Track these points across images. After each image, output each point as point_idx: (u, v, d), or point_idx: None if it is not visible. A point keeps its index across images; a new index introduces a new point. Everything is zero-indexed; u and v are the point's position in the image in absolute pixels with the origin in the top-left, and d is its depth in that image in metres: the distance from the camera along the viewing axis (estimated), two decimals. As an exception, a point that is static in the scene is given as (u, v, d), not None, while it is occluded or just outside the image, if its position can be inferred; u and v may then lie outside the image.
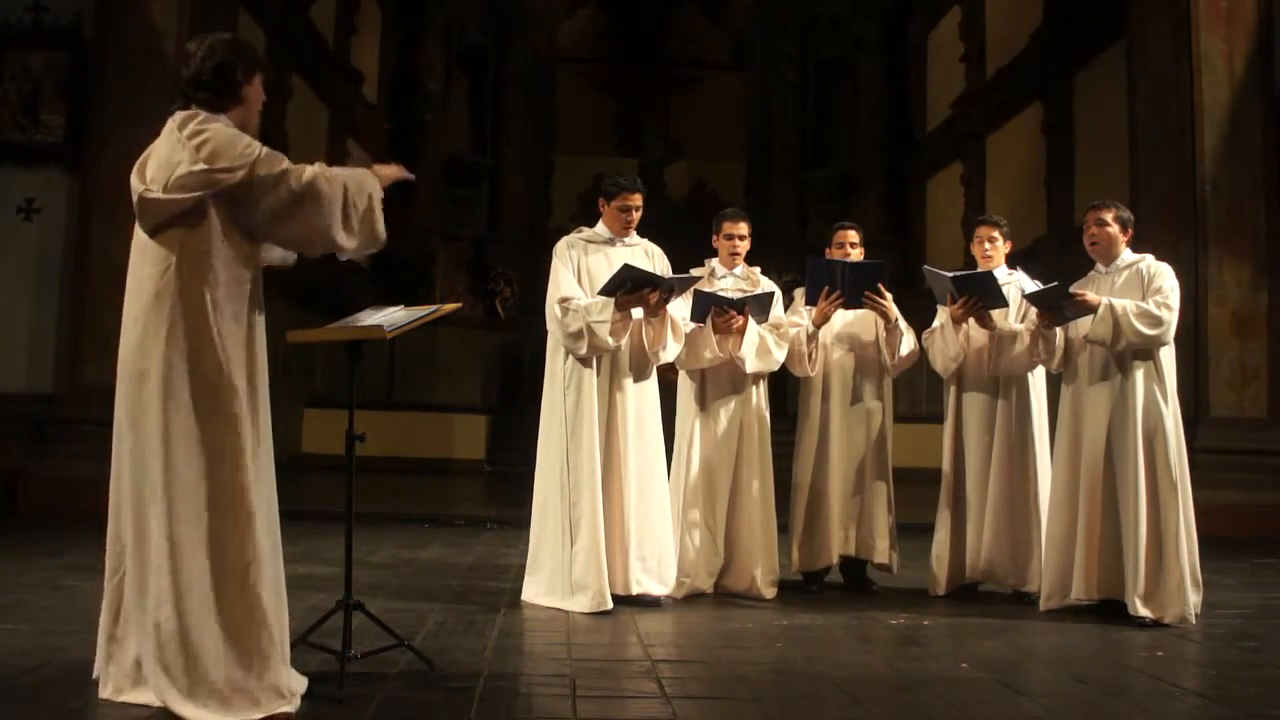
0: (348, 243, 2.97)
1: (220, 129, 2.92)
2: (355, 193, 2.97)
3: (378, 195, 3.03)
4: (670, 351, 4.82)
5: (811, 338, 5.18)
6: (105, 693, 2.92)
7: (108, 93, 8.32)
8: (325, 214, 2.91)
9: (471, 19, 17.92)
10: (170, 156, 2.91)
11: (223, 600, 2.79)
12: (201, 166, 2.84)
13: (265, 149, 2.92)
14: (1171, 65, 8.87)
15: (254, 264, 2.98)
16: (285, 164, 2.93)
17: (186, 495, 2.80)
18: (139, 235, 2.95)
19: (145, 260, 2.92)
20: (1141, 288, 4.68)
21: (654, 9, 19.41)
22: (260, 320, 2.99)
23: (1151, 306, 4.56)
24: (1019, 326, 5.05)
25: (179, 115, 2.97)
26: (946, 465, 5.26)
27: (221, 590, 2.79)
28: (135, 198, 2.92)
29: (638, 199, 4.88)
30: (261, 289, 3.02)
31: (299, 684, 2.91)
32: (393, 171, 3.17)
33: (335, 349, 3.40)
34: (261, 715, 2.76)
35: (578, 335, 4.61)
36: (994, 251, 5.28)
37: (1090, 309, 4.60)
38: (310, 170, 2.94)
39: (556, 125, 18.78)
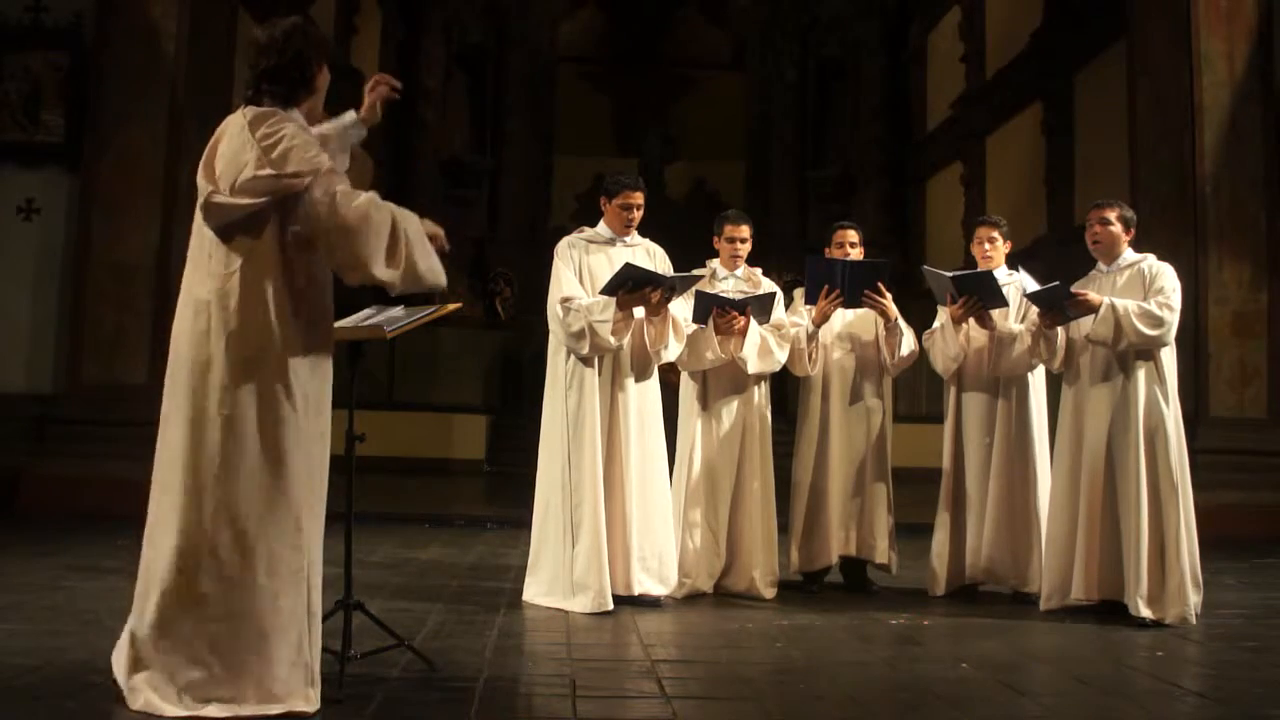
0: (387, 275, 2.88)
1: (293, 131, 2.87)
2: (404, 224, 2.89)
3: (423, 233, 2.95)
4: (672, 351, 4.81)
5: (811, 337, 5.18)
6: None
7: (108, 93, 8.31)
8: (371, 243, 2.84)
9: (471, 19, 17.91)
10: (238, 155, 2.86)
11: (270, 592, 2.79)
12: (269, 171, 2.80)
13: (331, 163, 2.88)
14: (1171, 65, 8.86)
15: (320, 272, 2.94)
16: (345, 184, 2.88)
17: (241, 489, 2.80)
18: (203, 230, 2.91)
19: (211, 256, 2.88)
20: (1143, 287, 4.68)
21: (654, 9, 19.40)
22: (329, 327, 2.97)
23: (1153, 307, 4.56)
24: (1019, 327, 5.05)
25: (251, 111, 2.92)
26: (946, 465, 5.26)
27: (263, 582, 2.79)
28: (201, 198, 2.89)
29: (639, 197, 4.88)
30: (331, 297, 2.99)
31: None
32: (434, 229, 3.06)
33: (336, 349, 3.40)
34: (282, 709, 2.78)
35: (580, 335, 4.61)
36: (994, 252, 5.28)
37: (1092, 309, 4.60)
38: (364, 196, 2.87)
39: (556, 125, 18.77)
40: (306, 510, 2.87)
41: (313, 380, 2.91)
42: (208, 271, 2.88)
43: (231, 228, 2.86)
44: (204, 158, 2.94)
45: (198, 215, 2.93)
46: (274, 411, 2.82)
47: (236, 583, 2.78)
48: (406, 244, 2.89)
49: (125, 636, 2.88)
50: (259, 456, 2.80)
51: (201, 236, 2.93)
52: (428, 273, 2.95)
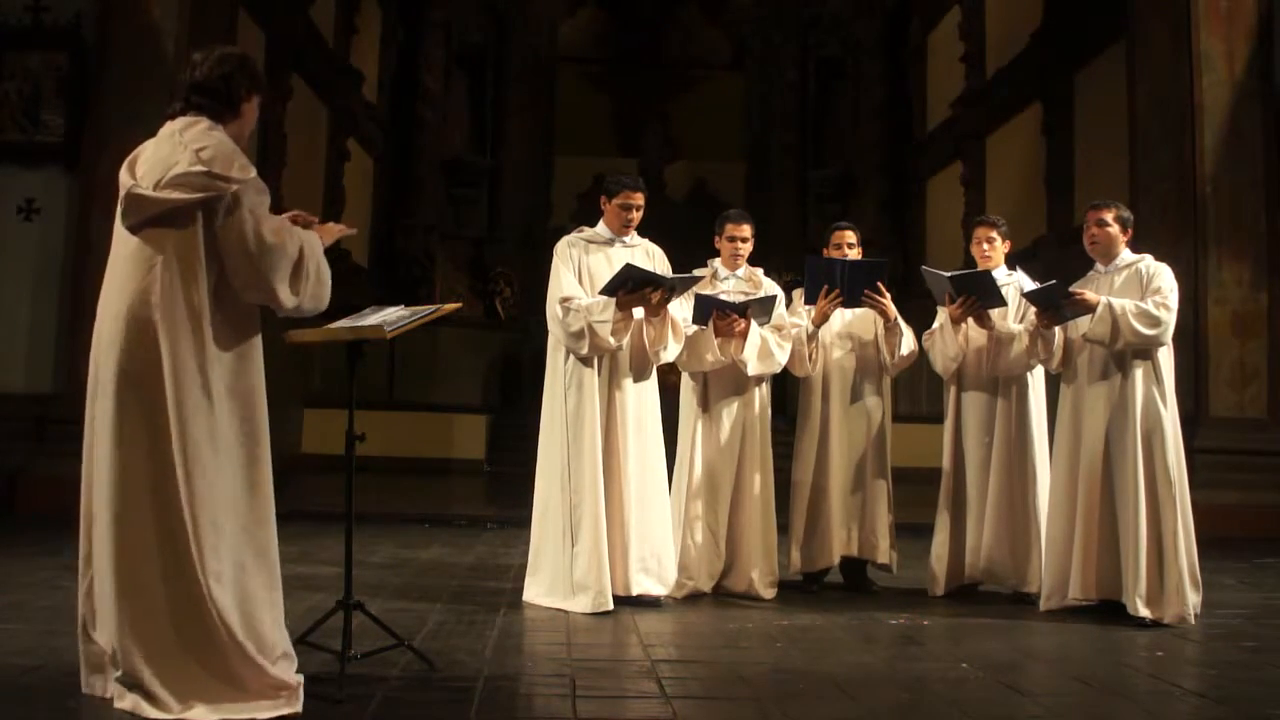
0: (288, 301, 2.95)
1: (223, 139, 2.94)
2: (309, 257, 2.97)
3: (324, 263, 3.05)
4: (671, 351, 4.81)
5: (811, 337, 5.18)
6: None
7: (108, 93, 8.31)
8: (279, 267, 2.90)
9: (471, 19, 17.89)
10: (167, 157, 2.90)
11: (175, 607, 2.77)
12: (200, 169, 2.84)
13: (258, 179, 2.93)
14: (1171, 65, 8.87)
15: None
16: (267, 203, 2.94)
17: (139, 499, 2.79)
18: (123, 232, 2.93)
19: (130, 259, 2.90)
20: (1141, 288, 4.68)
21: (654, 9, 19.39)
22: (253, 329, 2.97)
23: (1150, 307, 4.57)
24: (1017, 328, 5.05)
25: (180, 120, 2.98)
26: (946, 465, 5.26)
27: (171, 596, 2.77)
28: (123, 192, 2.92)
29: (639, 198, 4.87)
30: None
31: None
32: (337, 230, 3.23)
33: (335, 349, 3.40)
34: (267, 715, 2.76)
35: (579, 335, 4.61)
36: (993, 251, 5.28)
37: (1089, 308, 4.60)
38: (280, 219, 2.95)
39: (556, 125, 18.76)
40: (251, 515, 2.87)
41: (237, 383, 2.90)
42: (127, 276, 2.89)
43: (151, 226, 2.87)
44: (127, 161, 2.98)
45: (117, 221, 2.94)
46: (196, 415, 2.80)
47: (198, 584, 2.76)
48: (306, 274, 2.97)
49: (104, 640, 2.88)
50: (184, 465, 2.78)
51: (119, 243, 2.94)
52: (318, 303, 3.05)
